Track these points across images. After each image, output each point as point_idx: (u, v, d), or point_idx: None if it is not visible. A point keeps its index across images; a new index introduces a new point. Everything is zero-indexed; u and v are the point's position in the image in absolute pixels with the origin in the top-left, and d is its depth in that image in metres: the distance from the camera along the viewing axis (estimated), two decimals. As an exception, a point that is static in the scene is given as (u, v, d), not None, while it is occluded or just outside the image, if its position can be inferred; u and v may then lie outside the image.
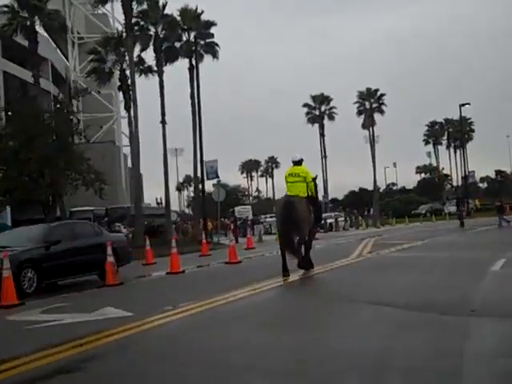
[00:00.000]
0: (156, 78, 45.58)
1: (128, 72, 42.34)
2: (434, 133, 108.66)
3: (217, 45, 47.96)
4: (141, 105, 41.36)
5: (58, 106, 35.56)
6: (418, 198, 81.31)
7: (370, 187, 79.24)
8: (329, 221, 54.51)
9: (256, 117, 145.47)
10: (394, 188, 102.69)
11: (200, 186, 44.00)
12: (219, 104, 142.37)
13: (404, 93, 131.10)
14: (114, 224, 41.20)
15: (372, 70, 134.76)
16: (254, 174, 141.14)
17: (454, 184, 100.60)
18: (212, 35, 47.64)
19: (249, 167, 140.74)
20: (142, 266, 22.45)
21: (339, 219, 57.43)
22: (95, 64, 45.86)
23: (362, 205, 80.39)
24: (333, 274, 15.18)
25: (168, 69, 47.45)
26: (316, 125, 78.36)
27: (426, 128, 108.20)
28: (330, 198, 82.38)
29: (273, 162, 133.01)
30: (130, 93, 41.90)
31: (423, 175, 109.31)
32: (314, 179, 15.20)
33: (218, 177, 42.63)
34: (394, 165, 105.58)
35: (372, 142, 74.27)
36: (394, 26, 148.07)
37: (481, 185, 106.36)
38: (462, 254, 18.95)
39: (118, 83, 44.25)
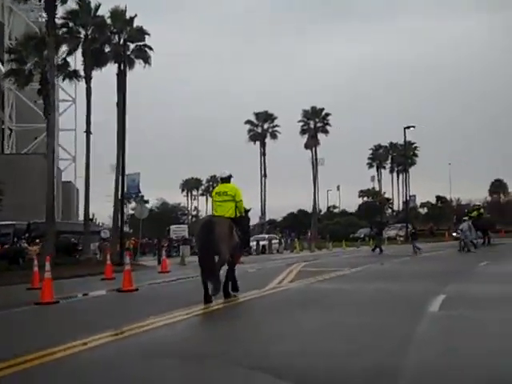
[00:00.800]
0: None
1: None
2: (378, 156, 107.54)
3: (150, 48, 44.76)
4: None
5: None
6: (358, 222, 78.97)
7: (311, 209, 77.06)
8: (262, 243, 51.80)
9: (200, 134, 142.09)
10: (335, 211, 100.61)
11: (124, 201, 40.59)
12: (157, 117, 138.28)
13: (352, 116, 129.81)
14: (30, 240, 38.26)
15: (320, 92, 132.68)
16: (194, 192, 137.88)
17: (396, 208, 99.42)
18: (143, 38, 44.39)
19: (190, 186, 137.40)
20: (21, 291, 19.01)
21: (273, 241, 54.71)
22: (14, 65, 42.28)
23: (300, 227, 77.92)
24: (231, 311, 12.34)
25: (97, 74, 44.13)
26: (258, 143, 75.55)
27: (371, 152, 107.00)
28: (267, 218, 79.73)
29: (214, 181, 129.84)
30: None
31: (366, 199, 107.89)
32: (247, 211, 14.30)
33: (139, 192, 39.38)
34: (338, 188, 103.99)
35: (314, 162, 72.10)
36: (345, 50, 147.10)
37: (421, 210, 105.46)
38: (394, 286, 16.28)
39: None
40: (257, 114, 75.47)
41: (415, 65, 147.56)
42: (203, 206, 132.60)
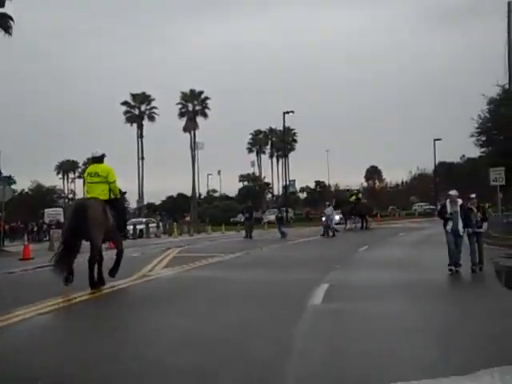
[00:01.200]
0: None
1: None
2: (258, 141, 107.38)
3: (10, 18, 41.24)
4: None
5: None
6: (238, 206, 78.12)
7: (191, 193, 75.65)
8: (139, 227, 49.74)
9: (74, 114, 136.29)
10: (215, 195, 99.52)
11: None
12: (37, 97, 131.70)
13: (233, 101, 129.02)
14: None
15: (200, 76, 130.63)
16: (71, 175, 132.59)
17: (276, 193, 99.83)
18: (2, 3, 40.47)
19: (65, 168, 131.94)
20: None
21: (150, 225, 52.74)
22: None
23: (180, 211, 76.23)
24: (80, 309, 10.61)
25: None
26: (135, 125, 72.80)
27: (251, 137, 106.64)
28: (146, 202, 77.45)
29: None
30: None
31: (246, 184, 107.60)
32: (123, 193, 13.86)
33: (-1, 172, 36.31)
34: (219, 172, 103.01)
35: (193, 145, 70.53)
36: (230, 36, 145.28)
37: (300, 194, 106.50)
38: (274, 274, 15.19)
39: None
40: (134, 96, 72.69)
41: (300, 50, 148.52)
42: (80, 189, 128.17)
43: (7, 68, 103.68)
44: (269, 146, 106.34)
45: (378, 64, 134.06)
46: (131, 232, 46.14)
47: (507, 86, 32.55)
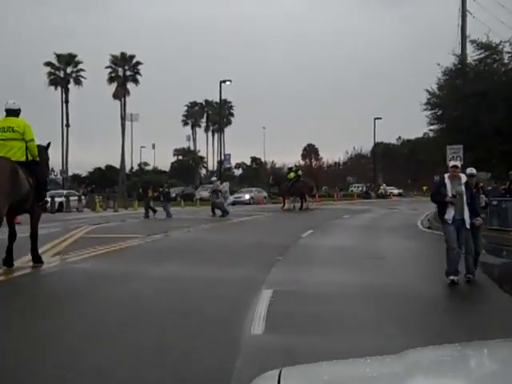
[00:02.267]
0: None
1: None
2: (194, 114, 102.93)
3: None
4: None
5: None
6: (169, 181, 73.78)
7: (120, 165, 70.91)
8: (58, 200, 45.14)
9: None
10: (147, 168, 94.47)
11: None
12: None
13: (168, 70, 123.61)
14: None
15: (132, 40, 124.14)
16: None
17: (211, 168, 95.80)
18: None
19: None
20: None
21: (71, 198, 48.09)
22: None
23: (109, 184, 71.32)
24: None
25: None
26: (60, 89, 67.05)
27: (186, 108, 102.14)
28: (70, 173, 72.30)
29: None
30: None
31: (181, 158, 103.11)
32: (46, 147, 12.13)
33: None
34: (153, 146, 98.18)
35: (123, 114, 65.73)
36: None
37: (236, 171, 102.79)
38: (196, 270, 11.39)
39: None
40: (58, 56, 66.58)
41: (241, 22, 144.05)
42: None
43: None
44: (204, 120, 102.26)
45: (321, 41, 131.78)
46: (49, 205, 41.74)
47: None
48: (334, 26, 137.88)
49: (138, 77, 66.95)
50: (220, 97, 62.13)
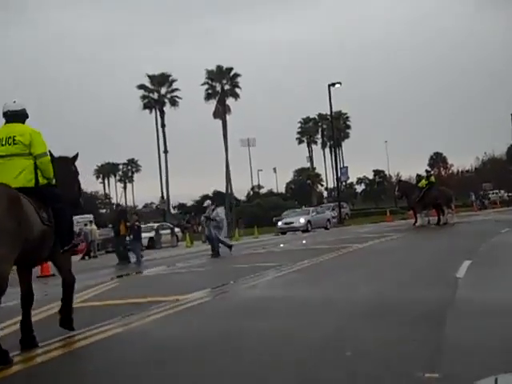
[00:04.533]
0: None
1: None
2: (308, 130, 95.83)
3: None
4: None
5: None
6: (284, 203, 66.10)
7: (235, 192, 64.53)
8: (147, 235, 38.90)
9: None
10: (261, 191, 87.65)
11: None
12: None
13: (272, 84, 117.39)
14: None
15: (227, 53, 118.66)
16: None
17: (331, 186, 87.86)
18: None
19: (105, 171, 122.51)
20: None
21: (163, 232, 41.73)
22: None
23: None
24: None
25: None
26: (154, 112, 61.70)
27: (299, 125, 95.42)
28: (175, 203, 66.57)
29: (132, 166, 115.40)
30: None
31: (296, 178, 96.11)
32: (72, 160, 8.39)
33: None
34: (275, 170, 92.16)
35: (225, 131, 59.36)
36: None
37: (357, 186, 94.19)
38: None
39: None
40: (151, 77, 61.64)
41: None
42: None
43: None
44: (320, 135, 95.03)
45: (437, 48, 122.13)
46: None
47: None
48: (456, 29, 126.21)
49: (238, 90, 60.41)
50: (330, 102, 54.11)
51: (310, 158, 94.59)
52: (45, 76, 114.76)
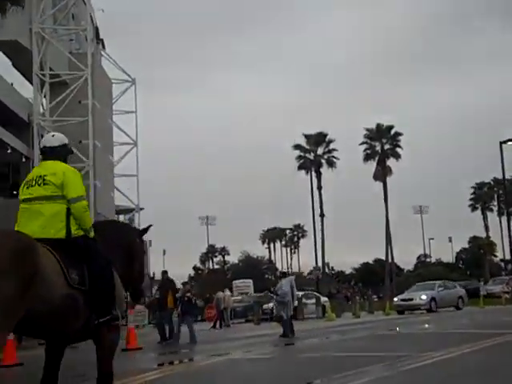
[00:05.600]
0: None
1: None
2: (482, 196, 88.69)
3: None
4: None
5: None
6: (449, 274, 59.99)
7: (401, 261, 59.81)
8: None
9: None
10: (427, 261, 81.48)
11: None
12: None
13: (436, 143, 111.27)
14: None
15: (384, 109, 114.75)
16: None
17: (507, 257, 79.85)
18: None
19: (271, 236, 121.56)
20: None
21: (307, 301, 38.02)
22: None
23: (376, 282, 60.17)
24: None
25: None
26: (309, 173, 59.13)
27: (472, 191, 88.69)
28: (330, 271, 62.67)
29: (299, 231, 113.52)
30: None
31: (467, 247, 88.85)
32: (141, 232, 7.24)
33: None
34: (450, 239, 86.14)
35: (385, 195, 55.24)
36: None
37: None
38: None
39: None
40: (307, 136, 59.54)
41: None
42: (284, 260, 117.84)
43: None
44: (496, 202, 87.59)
45: None
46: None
47: None
48: None
49: (399, 150, 56.28)
50: (502, 163, 48.36)
51: (486, 227, 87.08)
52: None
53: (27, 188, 6.13)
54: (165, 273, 20.65)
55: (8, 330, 5.39)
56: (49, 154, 6.32)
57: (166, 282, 19.92)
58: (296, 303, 24.55)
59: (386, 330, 19.80)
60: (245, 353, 14.02)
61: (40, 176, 6.12)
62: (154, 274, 71.27)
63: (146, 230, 7.27)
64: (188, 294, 19.88)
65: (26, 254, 5.33)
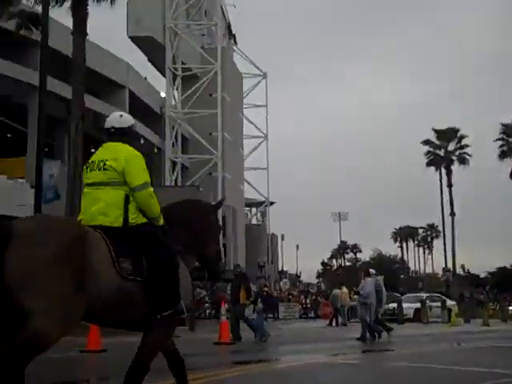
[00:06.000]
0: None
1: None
2: None
3: None
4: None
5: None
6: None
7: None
8: (411, 305, 34.24)
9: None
10: None
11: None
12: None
13: None
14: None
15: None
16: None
17: None
18: None
19: (404, 235, 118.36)
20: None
21: (430, 304, 36.29)
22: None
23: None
24: None
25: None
26: (438, 170, 56.78)
27: None
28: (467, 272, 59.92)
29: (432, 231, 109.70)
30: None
31: None
32: (214, 207, 6.78)
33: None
34: None
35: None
36: None
37: None
38: None
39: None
40: (437, 132, 57.13)
41: None
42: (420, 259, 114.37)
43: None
44: None
45: None
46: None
47: None
48: None
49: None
50: None
51: None
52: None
53: (90, 171, 5.87)
54: (237, 266, 19.97)
55: (57, 331, 4.90)
56: (115, 135, 5.98)
57: (239, 276, 18.94)
58: (383, 307, 22.50)
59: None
60: (331, 357, 13.21)
61: (101, 160, 5.83)
62: (282, 268, 70.77)
63: (219, 205, 6.97)
64: (265, 289, 19.31)
65: (78, 241, 5.08)
